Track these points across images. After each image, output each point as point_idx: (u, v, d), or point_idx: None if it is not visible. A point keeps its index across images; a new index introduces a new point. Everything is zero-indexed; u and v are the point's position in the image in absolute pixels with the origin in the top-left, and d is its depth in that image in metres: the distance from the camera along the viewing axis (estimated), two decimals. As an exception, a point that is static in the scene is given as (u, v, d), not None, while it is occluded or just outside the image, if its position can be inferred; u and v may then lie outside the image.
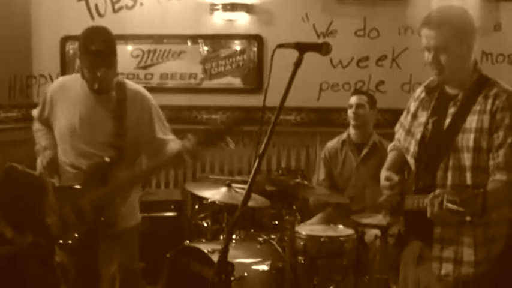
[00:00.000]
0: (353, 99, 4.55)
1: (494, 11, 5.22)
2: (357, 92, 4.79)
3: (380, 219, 3.58)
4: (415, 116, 2.85)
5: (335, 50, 5.20)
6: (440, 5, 2.72)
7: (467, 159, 2.60)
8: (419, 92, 2.88)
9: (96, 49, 3.00)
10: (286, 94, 2.31)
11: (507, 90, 2.61)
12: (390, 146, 3.06)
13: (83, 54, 3.10)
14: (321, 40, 5.17)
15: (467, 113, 2.63)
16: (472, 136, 2.59)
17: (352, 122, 4.55)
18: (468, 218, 2.36)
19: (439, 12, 2.65)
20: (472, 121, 2.61)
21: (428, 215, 2.44)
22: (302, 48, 2.38)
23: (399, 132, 2.98)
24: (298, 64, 2.35)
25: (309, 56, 2.37)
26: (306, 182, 4.29)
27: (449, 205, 2.31)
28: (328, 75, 5.34)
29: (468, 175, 2.60)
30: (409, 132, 2.87)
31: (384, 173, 2.85)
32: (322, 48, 2.39)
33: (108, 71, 3.06)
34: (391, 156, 3.00)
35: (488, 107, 2.59)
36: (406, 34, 5.24)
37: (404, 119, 2.94)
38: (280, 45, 2.40)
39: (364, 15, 5.30)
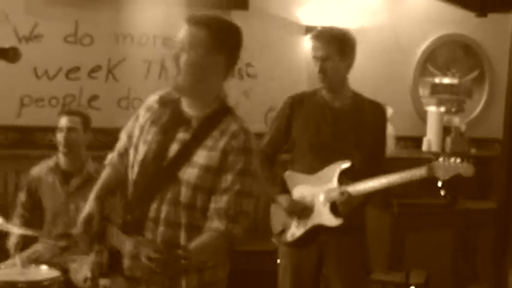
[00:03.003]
0: (63, 121, 3.99)
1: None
2: (67, 112, 4.19)
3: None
4: (142, 129, 2.56)
5: (40, 58, 4.63)
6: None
7: (185, 195, 2.43)
8: (152, 101, 2.58)
9: None
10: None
11: (246, 130, 2.49)
12: (108, 158, 2.70)
13: None
14: (23, 45, 4.56)
15: (198, 145, 2.45)
16: (196, 172, 2.42)
17: (61, 148, 3.99)
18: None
19: None
20: (201, 155, 2.43)
21: (127, 264, 2.39)
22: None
23: (122, 141, 2.66)
24: None
25: (8, 65, 2.21)
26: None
27: (147, 262, 2.24)
28: (32, 87, 4.73)
29: (183, 213, 2.44)
30: (136, 147, 2.56)
31: (89, 203, 2.54)
32: (9, 54, 2.19)
33: None
34: (103, 176, 2.68)
35: (222, 144, 2.44)
36: (125, 42, 4.86)
37: (132, 127, 2.63)
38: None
39: (76, 19, 4.80)
